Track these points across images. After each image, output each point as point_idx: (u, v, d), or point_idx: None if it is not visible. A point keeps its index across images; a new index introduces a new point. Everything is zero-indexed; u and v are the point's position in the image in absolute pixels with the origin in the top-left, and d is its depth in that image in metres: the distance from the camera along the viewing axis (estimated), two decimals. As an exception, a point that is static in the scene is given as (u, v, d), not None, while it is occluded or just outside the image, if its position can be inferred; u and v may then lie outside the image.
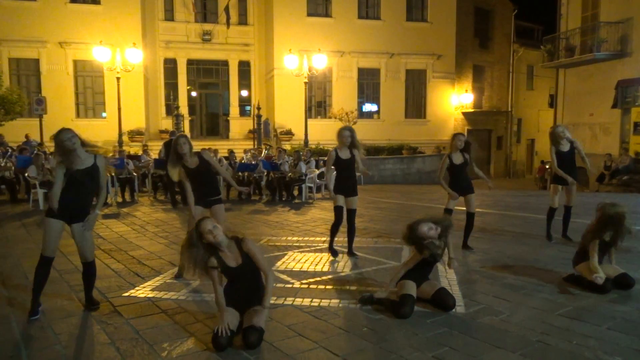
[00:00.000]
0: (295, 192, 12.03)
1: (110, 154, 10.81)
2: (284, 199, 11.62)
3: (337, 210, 5.78)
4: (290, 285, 4.74)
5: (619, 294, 4.35)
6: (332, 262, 5.62)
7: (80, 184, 3.96)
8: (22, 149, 12.84)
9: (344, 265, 5.53)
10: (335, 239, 5.93)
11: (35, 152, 12.01)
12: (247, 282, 3.56)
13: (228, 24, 21.54)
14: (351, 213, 5.83)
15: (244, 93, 23.30)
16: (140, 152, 14.14)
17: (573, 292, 4.42)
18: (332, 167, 5.82)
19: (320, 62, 17.90)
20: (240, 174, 12.23)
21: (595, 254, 4.46)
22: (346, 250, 5.95)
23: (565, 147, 6.53)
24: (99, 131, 18.78)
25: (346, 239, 5.96)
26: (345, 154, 5.75)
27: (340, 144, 5.76)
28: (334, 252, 5.84)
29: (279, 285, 4.73)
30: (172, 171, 4.95)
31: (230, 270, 3.50)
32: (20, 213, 9.57)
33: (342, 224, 5.86)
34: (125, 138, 17.58)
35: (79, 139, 3.99)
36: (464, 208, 6.30)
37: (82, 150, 3.99)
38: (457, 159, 6.09)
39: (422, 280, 4.16)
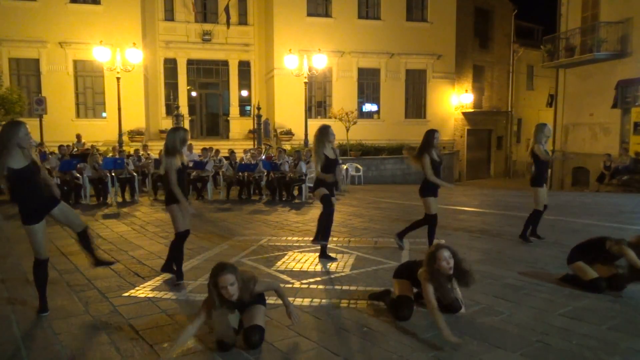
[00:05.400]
0: (295, 192, 12.03)
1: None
2: (284, 199, 11.62)
3: (325, 198, 5.59)
4: (290, 285, 4.73)
5: (618, 294, 4.36)
6: (332, 262, 5.61)
7: (29, 179, 3.95)
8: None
9: (344, 265, 5.53)
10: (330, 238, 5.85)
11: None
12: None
13: (228, 24, 21.55)
14: None
15: (244, 93, 23.30)
16: (141, 152, 14.07)
17: (572, 292, 4.42)
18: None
19: (320, 62, 17.89)
20: (240, 174, 12.23)
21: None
22: (344, 251, 5.94)
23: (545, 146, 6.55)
24: (99, 131, 18.86)
25: (341, 238, 5.93)
26: (331, 154, 5.62)
27: (327, 143, 5.58)
28: (329, 257, 5.72)
29: (279, 285, 4.74)
30: (173, 161, 4.72)
31: (230, 303, 3.41)
32: (20, 213, 9.55)
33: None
34: (125, 138, 17.57)
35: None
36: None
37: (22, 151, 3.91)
38: (436, 156, 5.83)
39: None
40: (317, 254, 5.86)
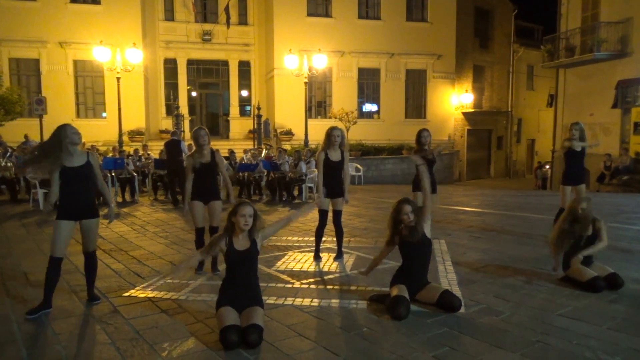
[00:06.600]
0: (295, 192, 12.03)
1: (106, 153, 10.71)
2: (284, 199, 11.62)
3: (322, 213, 5.66)
4: (290, 285, 4.74)
5: (618, 294, 4.36)
6: (332, 263, 5.62)
7: (76, 181, 4.12)
8: (24, 149, 12.83)
9: (344, 265, 5.53)
10: (324, 239, 5.89)
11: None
12: (245, 272, 3.63)
13: (228, 24, 21.55)
14: (337, 214, 5.72)
15: (244, 93, 23.30)
16: (141, 152, 14.06)
17: (572, 292, 4.43)
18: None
19: (320, 62, 17.89)
20: (240, 174, 12.23)
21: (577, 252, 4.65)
22: (344, 251, 5.93)
23: (577, 146, 6.57)
24: (99, 131, 18.84)
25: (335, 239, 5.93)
26: (335, 156, 5.60)
27: (329, 145, 5.57)
28: (318, 257, 5.72)
29: (279, 285, 4.74)
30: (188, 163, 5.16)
31: (236, 253, 3.61)
32: (20, 213, 9.57)
33: (329, 227, 5.80)
34: (125, 138, 17.58)
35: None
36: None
37: (76, 148, 4.20)
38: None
39: (418, 284, 4.16)
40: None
